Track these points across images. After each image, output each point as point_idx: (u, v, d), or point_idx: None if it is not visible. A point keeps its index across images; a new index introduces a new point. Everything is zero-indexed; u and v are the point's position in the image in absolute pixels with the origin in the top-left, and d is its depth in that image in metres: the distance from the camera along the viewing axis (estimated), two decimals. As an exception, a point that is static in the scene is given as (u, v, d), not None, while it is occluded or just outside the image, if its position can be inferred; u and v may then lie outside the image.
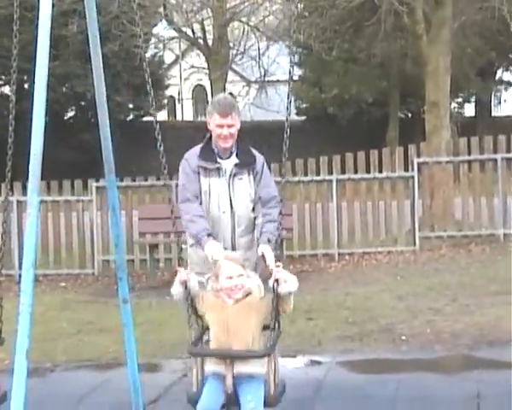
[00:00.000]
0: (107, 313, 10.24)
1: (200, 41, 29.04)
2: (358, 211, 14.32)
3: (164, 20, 28.93)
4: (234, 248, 5.88)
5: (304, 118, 36.98)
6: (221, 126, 5.72)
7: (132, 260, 13.82)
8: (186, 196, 5.71)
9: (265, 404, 4.85)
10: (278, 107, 32.81)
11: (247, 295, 4.90)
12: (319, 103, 33.98)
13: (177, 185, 6.01)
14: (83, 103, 33.69)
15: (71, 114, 35.30)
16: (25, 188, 13.30)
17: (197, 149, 5.89)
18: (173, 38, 32.33)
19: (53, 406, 6.52)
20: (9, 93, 31.60)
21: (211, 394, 4.81)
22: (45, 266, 13.83)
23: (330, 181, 14.18)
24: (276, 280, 4.82)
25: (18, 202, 13.75)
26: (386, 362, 7.51)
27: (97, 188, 14.05)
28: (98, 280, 13.61)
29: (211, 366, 4.86)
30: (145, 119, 34.98)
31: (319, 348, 8.09)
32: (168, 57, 40.80)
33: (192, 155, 5.85)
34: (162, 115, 42.89)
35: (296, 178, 14.26)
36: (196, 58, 35.35)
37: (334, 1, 20.02)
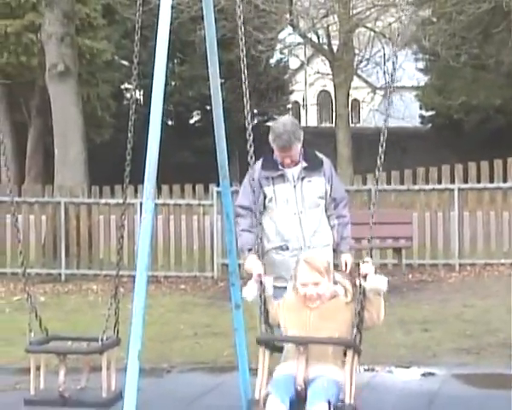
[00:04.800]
0: (224, 317, 10.30)
1: (325, 47, 29.00)
2: (481, 221, 14.04)
3: (289, 26, 29.02)
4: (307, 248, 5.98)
5: (429, 126, 36.49)
6: (283, 156, 6.05)
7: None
8: (237, 211, 6.08)
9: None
10: (403, 113, 32.43)
11: (332, 297, 4.54)
12: (445, 110, 33.45)
13: None
14: (208, 107, 34.19)
15: (196, 117, 35.86)
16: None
17: (259, 161, 6.16)
18: (298, 44, 32.42)
19: (164, 406, 6.63)
20: (139, 97, 32.38)
21: (281, 385, 4.40)
22: (166, 267, 14.08)
23: (452, 190, 13.97)
24: (364, 276, 4.40)
25: (141, 204, 14.03)
26: (503, 378, 7.33)
27: (218, 192, 14.21)
28: (217, 284, 13.76)
29: (282, 369, 4.53)
30: (269, 123, 35.18)
31: (434, 360, 7.98)
32: (293, 63, 40.97)
33: (255, 169, 6.02)
34: (286, 120, 43.05)
35: (417, 187, 14.09)
36: (321, 64, 35.32)
37: (461, 7, 19.72)
